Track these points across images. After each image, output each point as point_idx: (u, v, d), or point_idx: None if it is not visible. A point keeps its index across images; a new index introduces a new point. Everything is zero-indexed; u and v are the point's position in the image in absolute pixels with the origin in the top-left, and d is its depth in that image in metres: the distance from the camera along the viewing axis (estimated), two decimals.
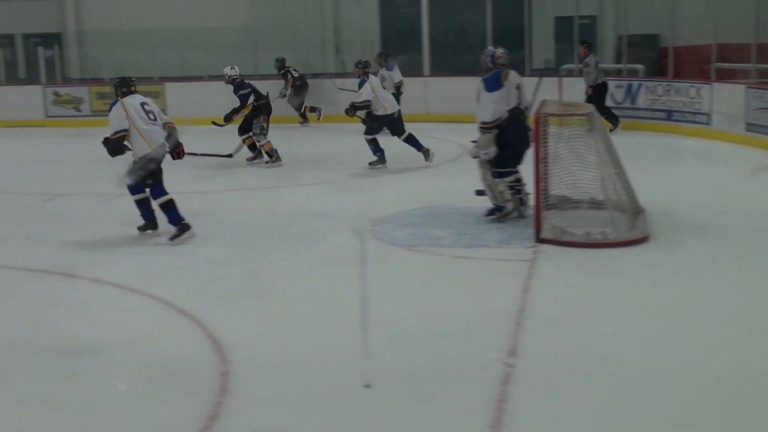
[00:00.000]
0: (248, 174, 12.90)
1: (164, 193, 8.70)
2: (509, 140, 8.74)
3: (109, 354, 5.70)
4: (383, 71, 16.97)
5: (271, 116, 13.48)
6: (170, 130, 8.88)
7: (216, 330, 5.96)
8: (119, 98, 8.76)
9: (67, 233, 9.16)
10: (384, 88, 13.38)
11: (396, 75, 17.44)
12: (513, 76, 8.87)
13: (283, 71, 18.76)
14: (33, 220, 9.99)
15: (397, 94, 16.85)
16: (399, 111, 12.93)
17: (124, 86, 8.83)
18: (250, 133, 13.54)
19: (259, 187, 11.75)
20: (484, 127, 8.77)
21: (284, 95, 18.43)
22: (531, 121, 8.63)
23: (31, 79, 22.78)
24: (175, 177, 11.72)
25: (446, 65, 20.92)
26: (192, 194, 11.10)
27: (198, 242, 8.59)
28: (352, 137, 15.00)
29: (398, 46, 21.71)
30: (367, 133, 12.78)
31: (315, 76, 19.71)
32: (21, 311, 6.64)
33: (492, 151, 8.72)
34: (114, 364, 5.55)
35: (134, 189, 8.84)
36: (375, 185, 11.66)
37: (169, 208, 8.68)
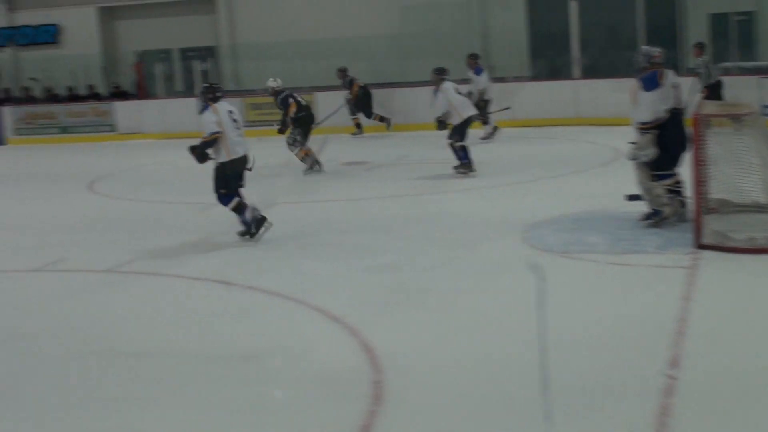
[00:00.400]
0: (395, 181, 12.91)
1: (232, 198, 9.12)
2: (668, 142, 8.45)
3: (267, 361, 5.79)
4: (470, 74, 16.65)
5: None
6: None
7: (370, 338, 5.96)
8: (210, 104, 9.07)
9: (223, 242, 9.36)
10: (459, 92, 12.83)
11: (482, 80, 16.65)
12: (670, 75, 8.59)
13: (348, 79, 19.06)
14: (191, 229, 10.24)
15: (481, 100, 16.24)
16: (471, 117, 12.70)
17: (210, 93, 9.18)
18: (301, 146, 13.83)
19: (407, 194, 11.73)
20: (643, 128, 8.51)
21: (348, 102, 18.83)
22: (689, 122, 8.32)
23: (188, 92, 23.52)
24: (324, 185, 11.90)
25: (596, 67, 20.50)
26: (344, 202, 11.23)
27: (351, 250, 8.66)
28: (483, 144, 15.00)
29: (547, 49, 21.41)
30: (458, 140, 12.54)
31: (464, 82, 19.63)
32: (186, 318, 6.82)
33: (651, 152, 8.44)
34: (272, 370, 5.63)
35: (225, 199, 9.16)
36: (526, 190, 11.47)
37: (241, 210, 9.09)
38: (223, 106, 9.14)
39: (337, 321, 6.42)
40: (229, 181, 9.12)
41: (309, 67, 21.48)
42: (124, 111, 21.07)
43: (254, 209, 9.14)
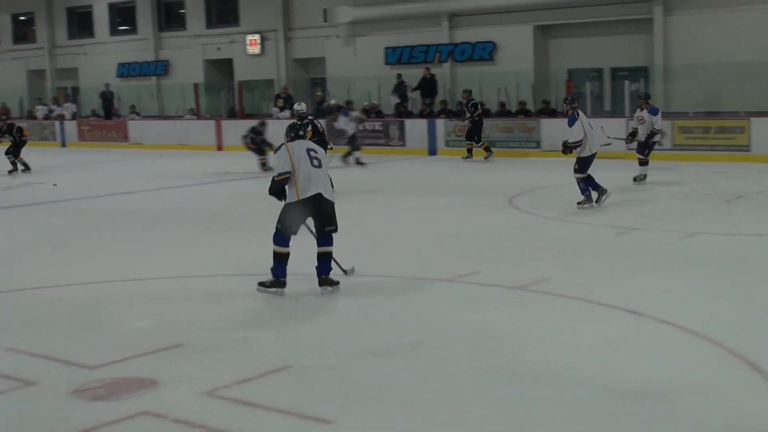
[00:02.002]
0: None
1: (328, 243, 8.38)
2: None
3: (671, 402, 5.43)
4: (644, 113, 15.86)
5: None
6: None
7: None
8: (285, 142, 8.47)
9: (636, 270, 9.04)
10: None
11: (657, 121, 15.84)
12: None
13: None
14: (605, 253, 10.01)
15: (650, 139, 15.85)
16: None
17: (292, 131, 8.55)
18: None
19: None
20: None
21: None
22: None
23: (615, 111, 23.21)
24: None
25: None
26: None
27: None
28: None
29: None
30: (578, 171, 13.00)
31: None
32: (589, 346, 6.63)
33: None
34: (676, 413, 5.27)
35: (280, 240, 8.33)
36: None
37: (281, 261, 8.23)
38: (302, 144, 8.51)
39: (753, 368, 5.90)
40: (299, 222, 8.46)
41: (745, 91, 20.30)
42: (549, 128, 21.21)
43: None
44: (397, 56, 27.34)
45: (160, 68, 33.52)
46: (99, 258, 10.60)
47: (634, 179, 15.75)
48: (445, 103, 25.10)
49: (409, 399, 5.63)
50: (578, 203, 13.03)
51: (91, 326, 7.61)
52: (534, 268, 9.17)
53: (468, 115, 21.55)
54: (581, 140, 12.95)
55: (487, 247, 10.50)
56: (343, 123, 20.60)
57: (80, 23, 36.13)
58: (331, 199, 8.37)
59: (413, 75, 25.37)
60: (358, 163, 20.47)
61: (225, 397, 5.67)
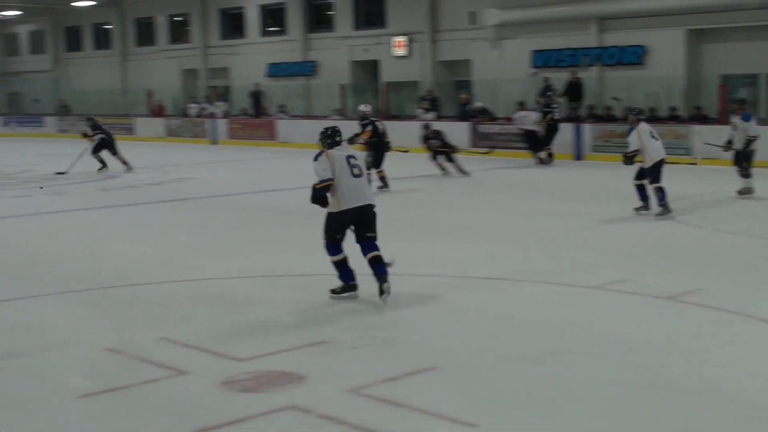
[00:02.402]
0: None
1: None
2: None
3: None
4: (737, 120, 14.98)
5: None
6: None
7: None
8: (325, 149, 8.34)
9: None
10: (654, 136, 13.09)
11: (751, 127, 14.84)
12: None
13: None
14: (758, 264, 9.70)
15: (747, 147, 14.82)
16: (663, 159, 13.05)
17: (329, 138, 8.35)
18: (379, 168, 16.30)
19: None
20: None
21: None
22: None
23: None
24: None
25: None
26: None
27: None
28: None
29: None
30: (651, 182, 13.04)
31: None
32: (743, 361, 6.43)
33: None
34: None
35: (332, 250, 8.31)
36: None
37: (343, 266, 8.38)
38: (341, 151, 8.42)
39: None
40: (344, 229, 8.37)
41: None
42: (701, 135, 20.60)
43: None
44: (543, 59, 27.05)
45: (308, 68, 34.08)
46: (249, 253, 10.86)
47: (739, 193, 14.86)
48: (592, 108, 24.71)
49: (553, 407, 5.59)
50: (656, 215, 12.91)
51: (241, 319, 7.81)
52: (684, 278, 8.95)
53: (539, 118, 22.02)
54: (636, 150, 13.06)
55: (634, 256, 10.27)
56: (533, 118, 21.75)
57: (232, 24, 37.08)
58: (374, 206, 8.38)
59: (559, 79, 25.03)
60: (542, 162, 21.26)
61: (370, 395, 5.74)
